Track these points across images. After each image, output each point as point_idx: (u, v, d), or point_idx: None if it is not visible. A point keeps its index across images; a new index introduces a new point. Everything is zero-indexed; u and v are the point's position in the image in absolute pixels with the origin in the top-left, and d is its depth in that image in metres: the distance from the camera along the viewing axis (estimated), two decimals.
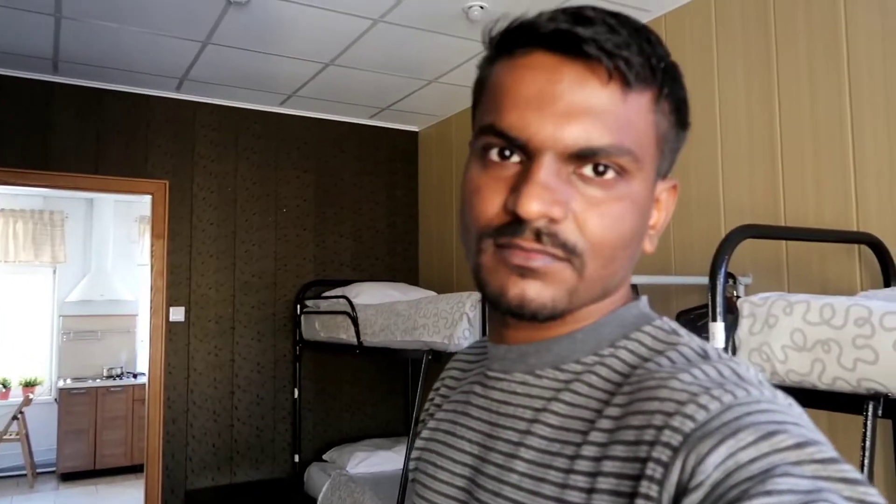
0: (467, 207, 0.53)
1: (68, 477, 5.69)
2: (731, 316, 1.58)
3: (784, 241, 2.20)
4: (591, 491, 0.46)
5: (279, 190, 3.97)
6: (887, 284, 1.86)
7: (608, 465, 0.45)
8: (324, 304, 3.67)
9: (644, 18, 2.75)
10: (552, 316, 0.51)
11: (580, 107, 0.48)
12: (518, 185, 0.49)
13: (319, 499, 3.41)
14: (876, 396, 1.24)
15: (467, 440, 0.59)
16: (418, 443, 0.67)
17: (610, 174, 0.49)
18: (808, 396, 1.36)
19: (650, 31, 0.51)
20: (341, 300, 3.41)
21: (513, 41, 0.52)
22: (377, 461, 3.55)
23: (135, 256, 6.41)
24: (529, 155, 0.50)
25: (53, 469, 5.81)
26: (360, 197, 4.22)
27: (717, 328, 1.51)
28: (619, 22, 0.49)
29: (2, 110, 3.31)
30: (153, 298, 3.62)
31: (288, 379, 3.91)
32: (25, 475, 5.65)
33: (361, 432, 4.03)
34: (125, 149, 3.58)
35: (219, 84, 3.55)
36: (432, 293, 3.53)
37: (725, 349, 1.52)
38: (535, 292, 0.50)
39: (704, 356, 0.50)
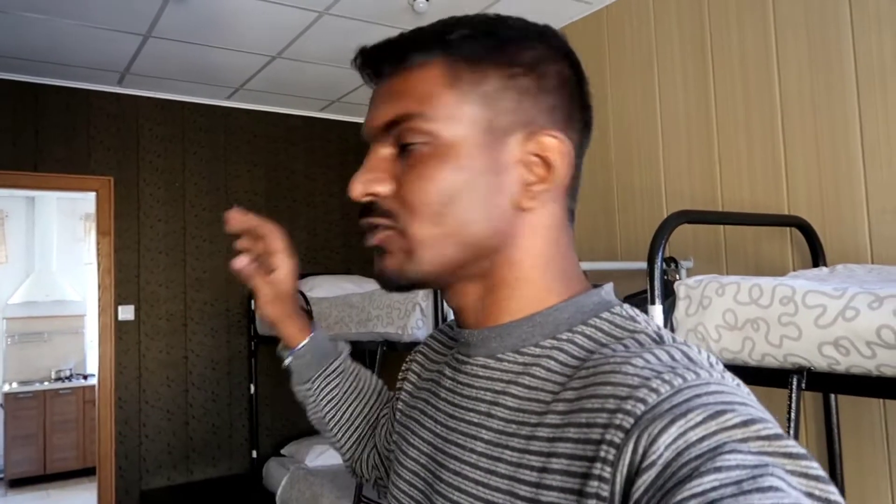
0: None
1: (17, 483, 5.53)
2: (670, 299, 1.65)
3: (722, 226, 2.29)
4: (543, 469, 0.48)
5: (229, 184, 3.92)
6: (815, 264, 1.97)
7: (561, 446, 0.47)
8: None
9: (585, 12, 2.81)
10: (410, 283, 0.56)
11: (382, 98, 0.58)
12: None
13: (278, 493, 3.40)
14: (800, 370, 1.32)
15: (433, 420, 0.62)
16: (399, 421, 0.69)
17: (415, 143, 0.55)
18: (739, 373, 1.41)
19: (461, 18, 0.58)
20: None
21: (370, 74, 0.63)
22: (336, 454, 3.56)
23: (81, 255, 6.23)
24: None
25: (1, 476, 5.63)
26: (312, 190, 4.19)
27: (656, 311, 1.57)
28: (419, 27, 0.59)
29: None
30: (101, 297, 3.54)
31: (244, 375, 3.88)
32: None
33: None
34: (66, 145, 3.48)
35: (162, 77, 3.47)
36: None
37: None
38: (384, 264, 0.57)
39: (659, 341, 0.51)
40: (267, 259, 0.83)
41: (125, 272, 3.58)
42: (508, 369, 0.57)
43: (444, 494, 0.56)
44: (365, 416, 0.90)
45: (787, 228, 2.10)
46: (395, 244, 0.56)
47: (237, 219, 0.82)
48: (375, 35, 0.60)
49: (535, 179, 0.56)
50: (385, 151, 0.57)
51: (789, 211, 2.10)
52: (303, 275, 3.86)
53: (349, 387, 0.89)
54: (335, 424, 0.89)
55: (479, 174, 0.54)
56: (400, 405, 0.73)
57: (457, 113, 0.55)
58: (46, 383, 5.79)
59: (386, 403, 0.92)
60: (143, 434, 3.59)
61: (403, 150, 0.56)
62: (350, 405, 0.89)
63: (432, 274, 0.56)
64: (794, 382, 1.32)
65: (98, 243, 3.56)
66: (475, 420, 0.57)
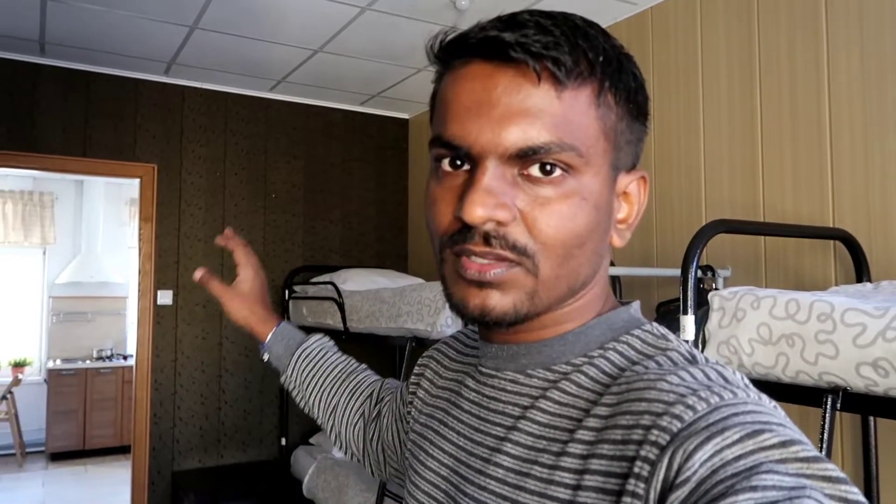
0: (427, 219, 0.55)
1: (57, 457, 5.73)
2: (704, 308, 1.61)
3: (762, 236, 2.23)
4: (577, 487, 0.47)
5: (268, 175, 3.98)
6: (859, 280, 1.90)
7: (595, 463, 0.46)
8: (311, 290, 3.69)
9: (629, 12, 2.76)
10: (516, 321, 0.52)
11: (516, 109, 0.49)
12: (464, 192, 0.50)
13: (305, 481, 3.45)
14: (835, 390, 1.27)
15: (455, 432, 0.61)
16: (415, 427, 0.69)
17: (556, 172, 0.50)
18: (772, 389, 1.39)
19: (591, 26, 0.52)
20: (328, 286, 3.43)
21: (451, 54, 0.54)
22: None
23: (125, 239, 6.41)
24: (474, 162, 0.51)
25: (42, 449, 5.85)
26: (349, 184, 4.23)
27: (688, 321, 1.54)
28: (553, 22, 0.50)
29: None
30: (141, 282, 3.63)
31: None
32: (14, 454, 5.69)
33: None
34: (113, 132, 3.58)
35: (207, 68, 3.54)
36: (420, 280, 3.55)
37: (696, 341, 1.55)
38: (494, 301, 0.51)
39: (692, 360, 0.51)
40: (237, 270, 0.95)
41: (165, 258, 3.67)
42: (538, 385, 0.56)
43: None
44: (339, 393, 0.92)
45: (831, 241, 2.03)
46: (519, 282, 0.51)
47: (225, 237, 0.96)
48: (416, 31, 0.54)
49: (622, 217, 0.56)
50: (507, 172, 0.50)
51: (834, 223, 2.04)
52: (336, 267, 3.89)
53: (318, 367, 0.94)
54: (315, 405, 0.94)
55: (603, 214, 0.53)
56: (413, 411, 0.72)
57: (600, 146, 0.51)
58: (88, 362, 5.99)
59: (369, 384, 0.93)
60: (177, 416, 3.68)
61: (531, 174, 0.50)
62: (322, 384, 0.93)
63: (539, 316, 0.54)
64: (829, 402, 1.27)
65: (140, 229, 3.65)
66: (501, 434, 0.56)
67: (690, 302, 1.53)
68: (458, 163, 0.52)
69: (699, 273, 2.15)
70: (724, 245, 2.32)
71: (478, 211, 0.48)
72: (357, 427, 0.90)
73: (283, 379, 0.96)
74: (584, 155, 0.50)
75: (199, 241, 3.76)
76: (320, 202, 4.11)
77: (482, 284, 0.51)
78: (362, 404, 0.91)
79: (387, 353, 4.10)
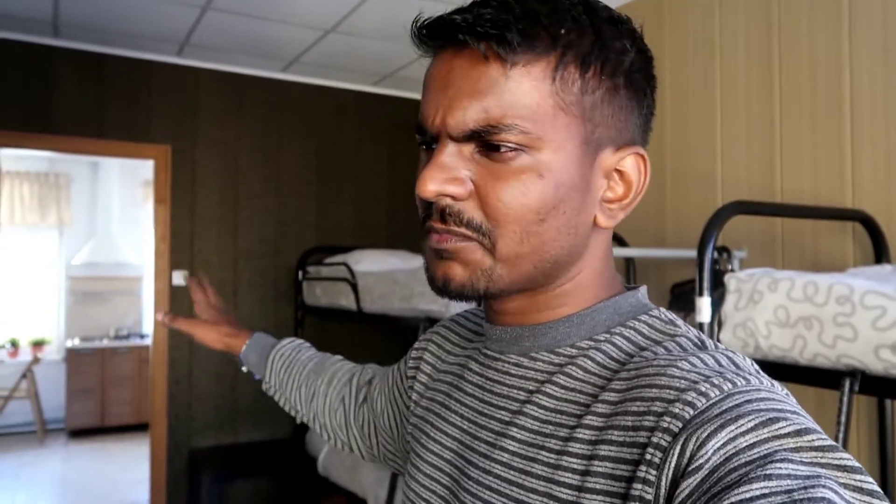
0: None
1: (77, 434, 5.84)
2: (720, 290, 1.60)
3: (779, 218, 2.21)
4: (585, 473, 0.47)
5: (281, 156, 3.98)
6: (878, 261, 1.88)
7: (604, 449, 0.46)
8: (325, 271, 3.71)
9: None
10: (476, 295, 0.53)
11: (464, 91, 0.50)
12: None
13: (320, 459, 3.50)
14: (853, 373, 1.27)
15: (459, 415, 0.61)
16: (416, 410, 0.69)
17: (504, 149, 0.49)
18: (789, 372, 1.39)
19: (560, 1, 0.50)
20: (342, 267, 3.44)
21: (423, 42, 0.55)
22: None
23: (140, 220, 6.46)
24: (436, 142, 0.53)
25: (62, 426, 5.97)
26: (361, 164, 4.22)
27: (704, 303, 1.53)
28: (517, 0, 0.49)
29: (3, 73, 3.32)
30: (156, 262, 3.66)
31: None
32: (35, 431, 5.81)
33: None
34: (127, 113, 3.59)
35: (220, 49, 3.53)
36: None
37: (711, 324, 1.55)
38: (454, 272, 0.52)
39: (701, 346, 0.51)
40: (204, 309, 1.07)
41: (179, 239, 3.70)
42: (543, 369, 0.56)
43: (472, 492, 0.55)
44: (317, 384, 0.94)
45: (850, 223, 2.00)
46: (474, 256, 0.51)
47: (190, 282, 1.09)
48: (429, 10, 0.54)
49: (613, 197, 0.54)
50: (464, 149, 0.51)
51: (853, 204, 2.01)
52: (348, 248, 3.90)
53: (292, 364, 0.96)
54: (296, 401, 0.96)
55: (571, 190, 0.51)
56: (414, 395, 0.72)
57: (559, 122, 0.50)
58: (105, 340, 6.08)
59: (348, 371, 0.95)
60: (193, 395, 3.73)
61: (487, 151, 0.50)
62: (298, 378, 0.96)
63: (503, 291, 0.54)
64: (847, 385, 1.27)
65: (155, 210, 3.67)
66: (506, 419, 0.56)
67: (706, 284, 1.52)
68: (431, 145, 0.54)
69: (715, 254, 2.14)
70: (739, 226, 2.30)
71: (429, 185, 0.50)
72: (338, 413, 0.90)
73: (264, 385, 0.99)
74: (530, 132, 0.49)
75: (213, 222, 3.78)
76: (333, 183, 4.11)
77: (441, 254, 0.52)
78: (341, 391, 0.91)
79: (400, 334, 4.12)
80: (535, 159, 0.50)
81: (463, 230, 0.51)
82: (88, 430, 5.85)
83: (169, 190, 3.67)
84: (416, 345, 0.77)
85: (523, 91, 0.49)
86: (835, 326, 1.28)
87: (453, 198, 0.51)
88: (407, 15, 2.96)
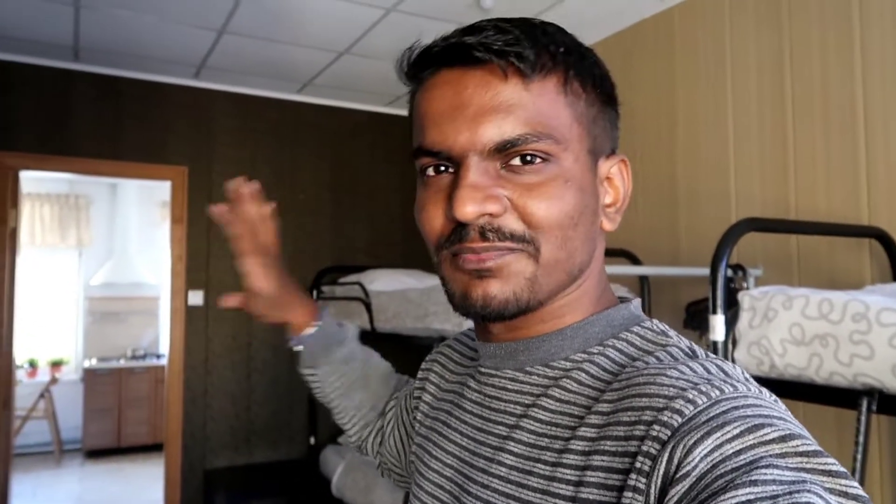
0: (420, 227, 0.56)
1: (93, 454, 5.86)
2: (734, 309, 1.59)
3: (794, 235, 2.19)
4: (579, 483, 0.47)
5: (295, 176, 4.02)
6: None
7: (597, 459, 0.47)
8: (339, 290, 3.72)
9: (656, 9, 2.73)
10: (518, 311, 0.53)
11: (488, 106, 0.51)
12: (451, 192, 0.52)
13: (334, 480, 3.48)
14: (871, 392, 1.25)
15: (458, 433, 0.61)
16: (420, 430, 0.70)
17: (537, 161, 0.51)
18: (805, 391, 1.37)
19: (548, 25, 0.54)
20: (356, 286, 3.45)
21: (419, 68, 0.56)
22: None
23: (157, 240, 6.53)
24: (456, 163, 0.53)
25: (79, 446, 5.99)
26: (374, 184, 4.25)
27: (718, 321, 1.51)
28: (510, 24, 0.52)
29: (24, 96, 3.39)
30: (173, 282, 3.70)
31: None
32: (52, 451, 5.84)
33: None
34: (145, 135, 3.65)
35: (236, 72, 3.59)
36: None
37: (726, 342, 1.53)
38: (495, 290, 0.52)
39: (692, 355, 0.51)
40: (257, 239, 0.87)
41: (196, 259, 3.73)
42: (538, 383, 0.56)
43: None
44: (372, 404, 0.90)
45: (866, 239, 1.98)
46: (518, 267, 0.52)
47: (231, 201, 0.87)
48: (441, 32, 0.55)
49: (610, 201, 0.57)
50: (489, 167, 0.52)
51: (869, 221, 1.99)
52: (362, 268, 3.92)
53: (356, 375, 0.90)
54: (342, 409, 0.90)
55: (589, 197, 0.54)
56: (419, 415, 0.72)
57: (574, 132, 0.53)
58: (122, 361, 6.11)
59: (396, 388, 0.92)
60: (207, 415, 3.74)
61: (513, 165, 0.51)
62: (356, 392, 0.89)
63: (541, 303, 0.54)
64: (865, 404, 1.25)
65: (171, 230, 3.72)
66: (504, 433, 0.56)
67: (720, 302, 1.51)
68: (443, 168, 0.54)
69: (729, 272, 2.12)
70: (754, 243, 2.28)
71: (468, 207, 0.50)
72: (368, 428, 0.91)
73: (308, 371, 0.89)
74: (560, 141, 0.51)
75: (229, 241, 3.81)
76: (347, 203, 4.14)
77: (482, 274, 0.52)
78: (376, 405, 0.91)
79: (413, 353, 4.12)
80: (561, 167, 0.52)
81: (507, 243, 0.51)
82: (105, 450, 5.87)
83: (185, 210, 3.71)
84: (423, 365, 0.78)
85: (546, 103, 0.51)
86: (851, 344, 1.26)
87: (491, 215, 0.51)
88: (418, 36, 3.01)
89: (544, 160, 0.51)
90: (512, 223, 0.51)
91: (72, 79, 3.49)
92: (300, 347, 0.88)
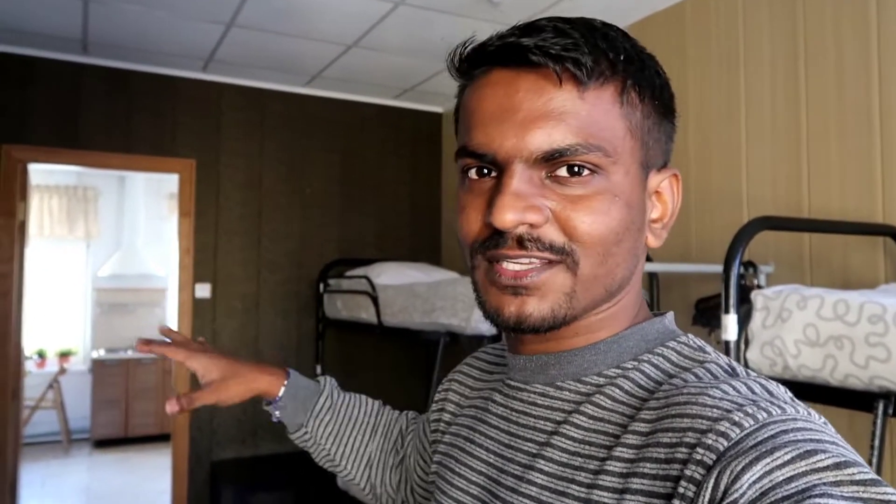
0: (457, 227, 0.55)
1: (101, 444, 5.91)
2: (746, 307, 1.57)
3: (807, 233, 2.16)
4: None
5: (304, 170, 4.01)
6: None
7: (636, 483, 0.45)
8: (346, 284, 3.71)
9: (668, 3, 2.69)
10: (553, 326, 0.51)
11: (539, 112, 0.49)
12: (492, 197, 0.50)
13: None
14: (887, 395, 1.23)
15: (484, 448, 0.59)
16: (440, 448, 0.67)
17: (584, 172, 0.49)
18: (819, 393, 1.35)
19: (610, 28, 0.52)
20: (362, 280, 3.45)
21: (472, 64, 0.54)
22: None
23: (165, 232, 6.55)
24: (500, 168, 0.51)
25: (87, 436, 6.03)
26: (383, 177, 4.24)
27: (730, 320, 1.50)
28: (571, 26, 0.50)
29: (34, 89, 3.39)
30: (180, 275, 3.70)
31: (311, 356, 3.98)
32: (61, 441, 5.88)
33: None
34: (153, 128, 3.64)
35: (244, 65, 3.58)
36: (455, 274, 3.54)
37: (738, 341, 1.51)
38: (531, 308, 0.50)
39: (732, 373, 0.50)
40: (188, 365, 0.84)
41: (203, 252, 3.73)
42: (569, 398, 0.54)
43: None
44: (371, 442, 0.86)
45: (881, 238, 1.96)
46: (556, 282, 0.50)
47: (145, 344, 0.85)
48: (450, 25, 0.53)
49: (657, 216, 0.55)
50: (534, 175, 0.50)
51: (883, 219, 1.96)
52: (371, 261, 3.91)
53: (344, 418, 0.86)
54: (344, 459, 0.86)
55: (636, 212, 0.52)
56: (437, 435, 0.70)
57: (627, 144, 0.51)
58: (130, 352, 6.14)
59: (395, 421, 0.88)
60: (214, 408, 3.73)
61: (559, 175, 0.50)
62: (352, 435, 0.86)
63: (577, 318, 0.52)
64: (881, 407, 1.23)
65: (179, 223, 3.72)
66: (533, 451, 0.54)
67: (732, 301, 1.49)
68: (486, 171, 0.52)
69: (741, 269, 2.10)
70: (766, 241, 2.25)
71: (508, 215, 0.48)
72: (378, 471, 0.86)
73: (298, 435, 0.87)
74: (611, 154, 0.50)
75: (237, 234, 3.82)
76: (355, 196, 4.13)
77: (517, 291, 0.50)
78: (384, 447, 0.87)
79: (420, 348, 4.11)
80: (610, 181, 0.50)
81: (546, 254, 0.50)
82: (113, 440, 5.91)
83: (193, 203, 3.71)
84: (440, 387, 0.75)
85: (600, 113, 0.49)
86: (867, 346, 1.24)
87: (531, 225, 0.49)
88: (427, 30, 3.00)
89: (593, 172, 0.49)
90: (552, 234, 0.50)
91: (81, 72, 3.49)
92: (279, 412, 0.85)
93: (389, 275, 3.55)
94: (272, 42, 3.22)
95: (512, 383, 0.60)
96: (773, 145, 2.30)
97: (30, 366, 6.02)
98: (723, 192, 2.48)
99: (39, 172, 5.99)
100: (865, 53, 2.03)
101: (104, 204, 6.42)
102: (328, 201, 4.06)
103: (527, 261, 0.50)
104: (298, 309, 3.97)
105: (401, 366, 4.12)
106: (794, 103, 2.24)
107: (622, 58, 0.50)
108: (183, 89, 3.71)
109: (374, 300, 3.26)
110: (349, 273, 3.80)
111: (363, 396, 0.91)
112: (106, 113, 3.54)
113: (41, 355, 6.13)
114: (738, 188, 2.42)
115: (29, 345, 6.13)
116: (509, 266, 0.50)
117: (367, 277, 3.40)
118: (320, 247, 4.03)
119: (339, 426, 0.86)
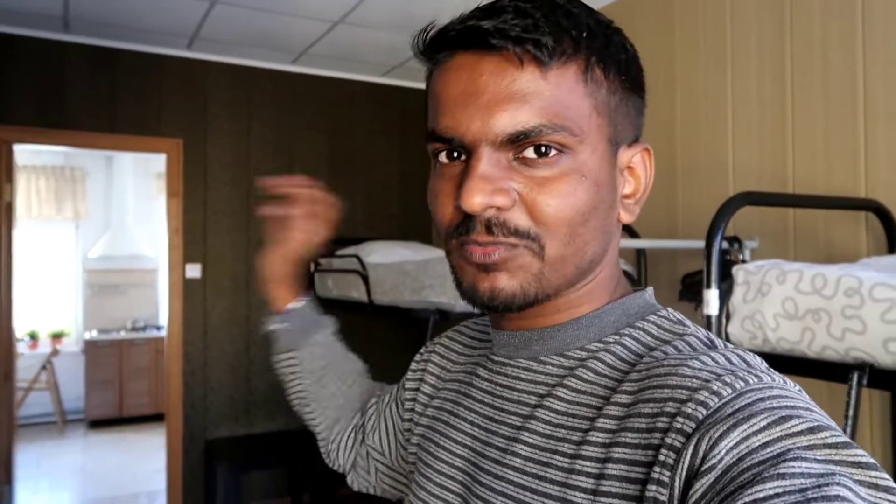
0: (432, 212, 0.56)
1: (96, 424, 5.94)
2: (728, 281, 1.59)
3: (791, 207, 2.18)
4: (599, 476, 0.47)
5: (293, 148, 3.99)
6: (892, 251, 1.85)
7: (618, 452, 0.46)
8: (336, 263, 3.72)
9: None
10: (525, 304, 0.52)
11: (502, 95, 0.49)
12: (461, 181, 0.51)
13: None
14: (862, 366, 1.25)
15: (468, 422, 0.60)
16: (421, 421, 0.68)
17: (551, 153, 0.49)
18: (797, 365, 1.37)
19: (573, 4, 0.52)
20: (353, 259, 3.45)
21: (436, 48, 0.54)
22: None
23: (154, 212, 6.52)
24: (468, 151, 0.51)
25: (82, 416, 6.06)
26: (372, 155, 4.22)
27: (712, 295, 1.52)
28: (532, 5, 0.50)
29: (17, 69, 3.35)
30: (170, 255, 3.70)
31: None
32: (56, 422, 5.91)
33: None
34: (139, 107, 3.61)
35: (229, 42, 3.54)
36: (443, 253, 3.55)
37: (720, 315, 1.54)
38: (502, 283, 0.51)
39: (711, 345, 0.51)
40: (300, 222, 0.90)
41: (192, 232, 3.73)
42: (553, 373, 0.55)
43: (485, 499, 0.54)
44: (345, 396, 0.87)
45: (863, 212, 1.98)
46: (523, 263, 0.51)
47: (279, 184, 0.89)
48: (431, 7, 0.53)
49: (630, 192, 0.56)
50: (501, 157, 0.50)
51: (866, 194, 1.98)
52: (360, 240, 3.91)
53: (334, 361, 0.88)
54: (316, 401, 0.87)
55: (605, 190, 0.52)
56: (417, 406, 0.71)
57: (593, 122, 0.51)
58: (122, 332, 6.15)
59: (368, 390, 0.89)
60: (207, 387, 3.77)
61: (526, 157, 0.50)
62: (334, 381, 0.87)
63: (549, 297, 0.53)
64: (855, 378, 1.26)
65: (168, 203, 3.70)
66: (518, 424, 0.55)
67: (714, 276, 1.51)
68: (455, 154, 0.53)
69: (725, 245, 2.12)
70: (751, 216, 2.27)
71: (476, 198, 0.49)
72: (355, 432, 0.86)
73: (286, 357, 0.88)
74: (576, 133, 0.50)
75: (226, 215, 3.81)
76: (344, 174, 4.12)
77: (488, 268, 0.51)
78: (361, 407, 0.87)
79: (411, 327, 4.13)
80: (577, 161, 0.50)
81: (511, 239, 0.50)
82: (107, 420, 5.95)
83: (181, 183, 3.69)
84: (417, 357, 0.76)
85: (564, 93, 0.49)
86: (843, 319, 1.27)
87: (498, 208, 0.50)
88: (414, 5, 2.97)
89: (560, 152, 0.50)
90: (518, 218, 0.50)
91: (65, 51, 3.44)
92: (284, 325, 0.87)
93: (379, 254, 3.56)
94: (257, 19, 3.19)
95: (496, 358, 0.61)
96: (760, 120, 2.31)
97: (22, 347, 6.03)
98: (710, 168, 2.49)
99: (26, 153, 5.93)
100: (851, 28, 2.03)
101: (92, 184, 6.37)
102: (317, 180, 4.04)
103: (494, 245, 0.51)
104: None
105: (391, 344, 4.14)
106: (779, 79, 2.24)
107: (585, 35, 0.50)
108: (169, 68, 3.67)
109: (365, 279, 3.27)
110: (340, 252, 3.81)
111: (354, 355, 0.93)
112: (91, 92, 3.50)
113: (33, 337, 6.13)
114: (725, 163, 2.43)
115: (20, 326, 6.13)
116: (478, 245, 0.51)
117: (357, 256, 3.40)
118: None
119: (327, 365, 0.87)
